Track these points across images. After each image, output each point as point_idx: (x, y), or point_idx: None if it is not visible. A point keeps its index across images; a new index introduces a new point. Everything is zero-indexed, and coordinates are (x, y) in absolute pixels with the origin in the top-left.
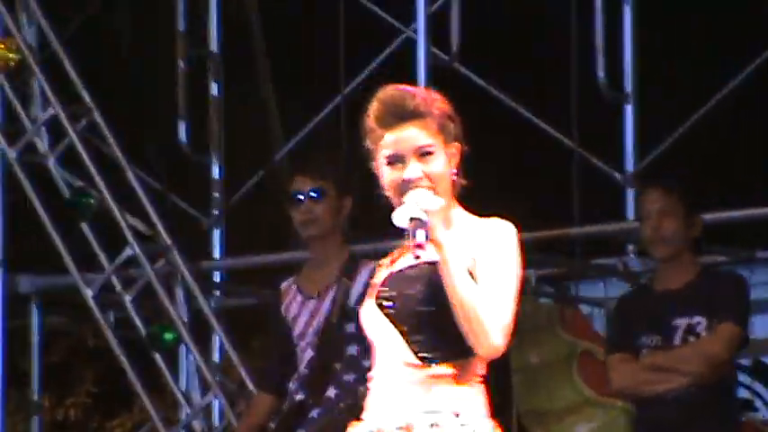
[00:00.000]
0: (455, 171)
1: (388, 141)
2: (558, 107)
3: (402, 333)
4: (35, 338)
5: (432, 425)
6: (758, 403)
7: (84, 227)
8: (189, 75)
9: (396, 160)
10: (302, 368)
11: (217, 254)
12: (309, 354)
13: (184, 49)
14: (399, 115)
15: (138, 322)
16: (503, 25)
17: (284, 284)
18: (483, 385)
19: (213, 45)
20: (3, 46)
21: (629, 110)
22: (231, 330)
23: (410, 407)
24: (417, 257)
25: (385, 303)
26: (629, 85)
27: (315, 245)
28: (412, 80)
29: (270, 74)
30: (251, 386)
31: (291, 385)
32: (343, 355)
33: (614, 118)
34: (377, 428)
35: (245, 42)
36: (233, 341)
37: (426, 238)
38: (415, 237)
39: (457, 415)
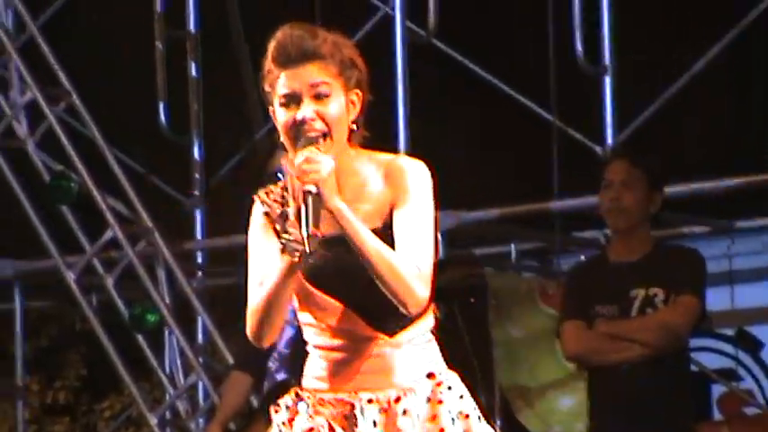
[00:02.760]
0: (354, 119)
1: (284, 80)
2: (537, 81)
3: (344, 302)
4: (18, 322)
5: (409, 390)
6: (742, 372)
7: (65, 210)
8: (167, 56)
9: (291, 100)
10: (282, 347)
11: (198, 235)
12: (289, 333)
13: (162, 29)
14: (297, 55)
15: (119, 304)
16: (479, 0)
17: None
18: (434, 337)
19: (191, 25)
20: None
21: (607, 82)
22: (214, 311)
23: (378, 378)
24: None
25: (315, 269)
26: (606, 58)
27: None
28: (389, 57)
29: (248, 53)
30: None
31: (271, 364)
32: None
33: (593, 91)
34: (334, 398)
35: (223, 22)
36: (216, 322)
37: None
38: (307, 209)
39: (432, 376)
